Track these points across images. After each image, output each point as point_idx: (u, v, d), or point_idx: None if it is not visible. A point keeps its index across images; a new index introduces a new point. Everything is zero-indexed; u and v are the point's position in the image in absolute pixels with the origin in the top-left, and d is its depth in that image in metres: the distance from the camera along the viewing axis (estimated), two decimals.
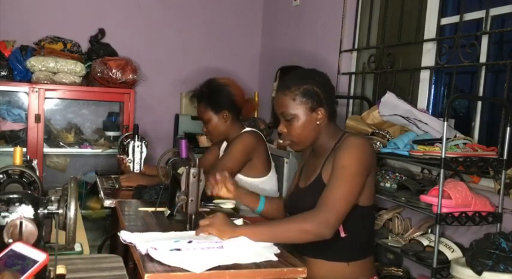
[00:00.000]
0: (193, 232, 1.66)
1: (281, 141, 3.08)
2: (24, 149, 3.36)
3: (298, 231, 1.58)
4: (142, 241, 1.52)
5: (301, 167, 1.92)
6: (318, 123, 1.73)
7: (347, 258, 1.70)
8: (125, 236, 1.59)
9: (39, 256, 0.93)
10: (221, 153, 2.60)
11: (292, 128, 1.73)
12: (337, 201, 1.59)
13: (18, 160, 1.65)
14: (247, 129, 2.50)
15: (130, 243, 1.54)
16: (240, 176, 2.43)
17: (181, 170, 1.79)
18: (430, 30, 2.63)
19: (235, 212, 2.19)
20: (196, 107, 2.52)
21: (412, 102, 2.62)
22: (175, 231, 1.69)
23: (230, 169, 2.38)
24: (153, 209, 2.03)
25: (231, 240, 1.56)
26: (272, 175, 2.51)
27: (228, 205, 2.20)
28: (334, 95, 1.81)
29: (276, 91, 1.80)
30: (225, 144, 2.60)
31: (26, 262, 0.91)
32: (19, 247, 0.94)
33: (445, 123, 1.89)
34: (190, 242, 1.51)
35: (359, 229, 1.73)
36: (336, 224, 1.59)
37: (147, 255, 1.44)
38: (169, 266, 1.37)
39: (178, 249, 1.47)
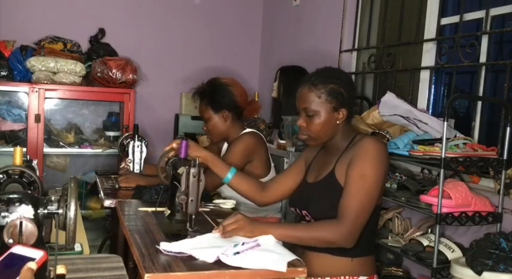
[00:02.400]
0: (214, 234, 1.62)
1: (288, 140, 3.08)
2: (24, 149, 3.36)
3: (322, 242, 1.65)
4: (189, 249, 1.48)
5: (308, 164, 1.92)
6: (337, 122, 1.75)
7: (351, 253, 1.72)
8: (165, 246, 1.50)
9: (37, 254, 0.93)
10: (222, 154, 2.60)
11: (312, 124, 1.75)
12: (359, 213, 1.64)
13: (18, 160, 1.65)
14: (248, 129, 2.50)
15: (180, 253, 1.48)
16: None
17: (181, 170, 1.79)
18: (430, 30, 2.63)
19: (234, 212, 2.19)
20: (198, 105, 2.53)
21: (412, 102, 2.61)
22: (196, 235, 1.63)
23: None
24: (153, 209, 2.04)
25: (262, 237, 1.60)
26: (272, 176, 2.51)
27: (228, 204, 2.21)
28: (356, 97, 1.82)
29: (300, 86, 1.79)
30: (226, 145, 2.60)
31: (24, 261, 0.91)
32: (18, 250, 0.94)
33: (445, 123, 1.89)
34: (236, 245, 1.51)
35: (365, 226, 1.74)
36: (357, 235, 1.65)
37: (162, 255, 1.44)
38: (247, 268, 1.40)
39: (237, 253, 1.46)
